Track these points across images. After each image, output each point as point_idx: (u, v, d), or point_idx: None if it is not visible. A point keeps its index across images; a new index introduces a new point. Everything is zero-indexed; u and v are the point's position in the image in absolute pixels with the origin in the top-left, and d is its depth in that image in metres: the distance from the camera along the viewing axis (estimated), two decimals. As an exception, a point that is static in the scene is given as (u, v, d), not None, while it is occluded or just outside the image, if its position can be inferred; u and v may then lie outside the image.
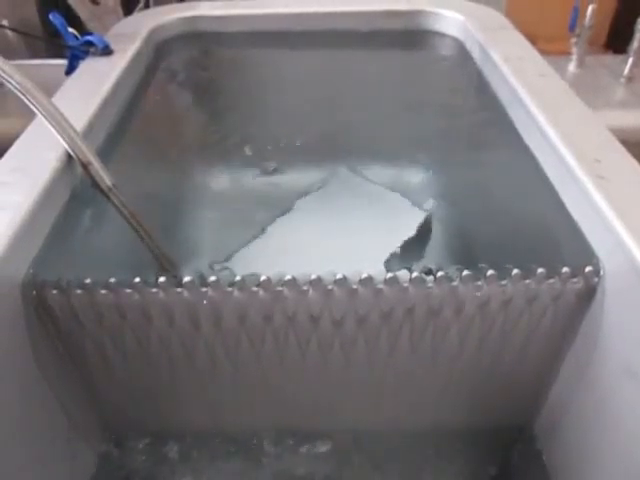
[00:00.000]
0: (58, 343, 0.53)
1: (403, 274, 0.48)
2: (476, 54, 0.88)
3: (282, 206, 0.58)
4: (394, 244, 0.52)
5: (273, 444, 0.63)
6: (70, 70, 0.81)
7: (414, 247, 0.52)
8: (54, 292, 0.48)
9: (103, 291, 0.48)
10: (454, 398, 0.60)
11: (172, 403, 0.62)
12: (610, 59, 1.27)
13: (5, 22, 1.30)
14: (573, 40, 1.19)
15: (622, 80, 1.15)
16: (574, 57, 1.20)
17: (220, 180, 0.65)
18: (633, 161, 0.54)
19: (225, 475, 0.62)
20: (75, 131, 0.52)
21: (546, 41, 1.29)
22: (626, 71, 1.15)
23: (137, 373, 0.56)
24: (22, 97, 0.49)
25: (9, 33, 1.33)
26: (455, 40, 0.97)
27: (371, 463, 0.62)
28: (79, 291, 0.48)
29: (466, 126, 0.73)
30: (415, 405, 0.61)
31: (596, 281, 0.48)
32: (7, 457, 0.48)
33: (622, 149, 0.56)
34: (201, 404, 0.62)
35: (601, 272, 0.47)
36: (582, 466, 0.54)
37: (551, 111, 0.63)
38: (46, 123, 0.51)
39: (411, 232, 0.53)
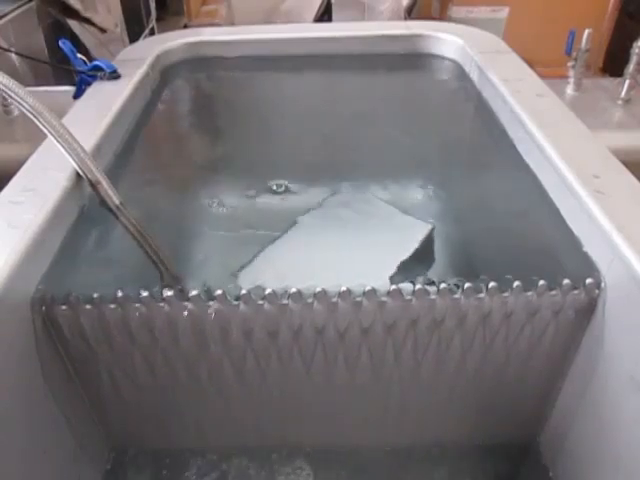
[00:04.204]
0: (65, 359, 0.54)
1: (406, 287, 0.48)
2: (475, 76, 0.89)
3: (287, 222, 0.59)
4: (397, 258, 0.52)
5: (277, 461, 0.63)
6: (78, 94, 0.83)
7: (417, 261, 0.52)
8: (63, 308, 0.49)
9: (111, 305, 0.49)
10: (458, 413, 0.60)
11: (177, 421, 0.62)
12: (607, 82, 1.29)
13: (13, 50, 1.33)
14: (570, 64, 1.20)
15: (619, 102, 1.17)
16: (571, 80, 1.21)
17: (225, 198, 0.66)
18: (630, 176, 0.55)
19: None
20: (84, 151, 0.54)
21: (543, 65, 1.31)
22: (623, 93, 1.16)
23: (143, 389, 0.57)
24: (34, 119, 0.51)
25: (16, 61, 1.35)
26: (454, 63, 0.99)
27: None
28: (87, 306, 0.49)
29: (467, 144, 0.75)
30: (419, 420, 0.61)
31: (597, 293, 0.48)
32: (14, 473, 0.48)
33: (619, 165, 0.57)
34: (207, 421, 0.62)
35: (602, 284, 0.48)
36: (589, 480, 0.54)
37: (549, 129, 0.64)
38: (56, 144, 0.52)
39: (414, 246, 0.54)
